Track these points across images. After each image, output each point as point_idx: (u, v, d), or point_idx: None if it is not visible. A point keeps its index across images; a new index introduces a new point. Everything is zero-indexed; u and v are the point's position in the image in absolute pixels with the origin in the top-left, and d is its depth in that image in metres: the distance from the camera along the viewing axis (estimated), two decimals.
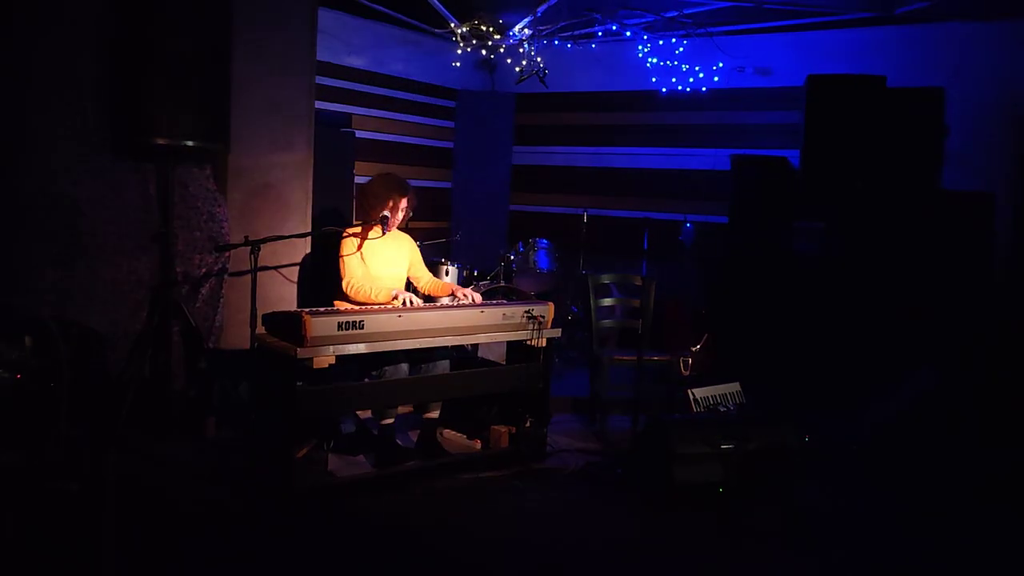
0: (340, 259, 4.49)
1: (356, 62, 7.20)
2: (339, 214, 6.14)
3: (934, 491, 4.31)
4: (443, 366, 4.42)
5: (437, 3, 6.70)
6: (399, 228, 4.71)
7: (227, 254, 4.68)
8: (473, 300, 4.52)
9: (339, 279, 4.49)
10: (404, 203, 4.57)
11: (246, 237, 4.16)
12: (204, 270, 4.65)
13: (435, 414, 4.48)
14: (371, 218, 4.53)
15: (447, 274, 6.01)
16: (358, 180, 6.70)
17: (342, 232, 4.58)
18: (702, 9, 6.60)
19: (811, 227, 6.41)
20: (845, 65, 6.51)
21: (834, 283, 5.97)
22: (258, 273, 4.05)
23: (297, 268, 5.10)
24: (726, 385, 5.21)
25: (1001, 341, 5.47)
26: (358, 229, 4.57)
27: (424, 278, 4.80)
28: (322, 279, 4.99)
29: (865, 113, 5.81)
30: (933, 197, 6.13)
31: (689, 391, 5.06)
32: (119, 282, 4.36)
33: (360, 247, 4.50)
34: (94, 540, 2.71)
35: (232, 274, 4.75)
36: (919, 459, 4.67)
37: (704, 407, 5.01)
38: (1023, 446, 4.74)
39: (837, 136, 5.82)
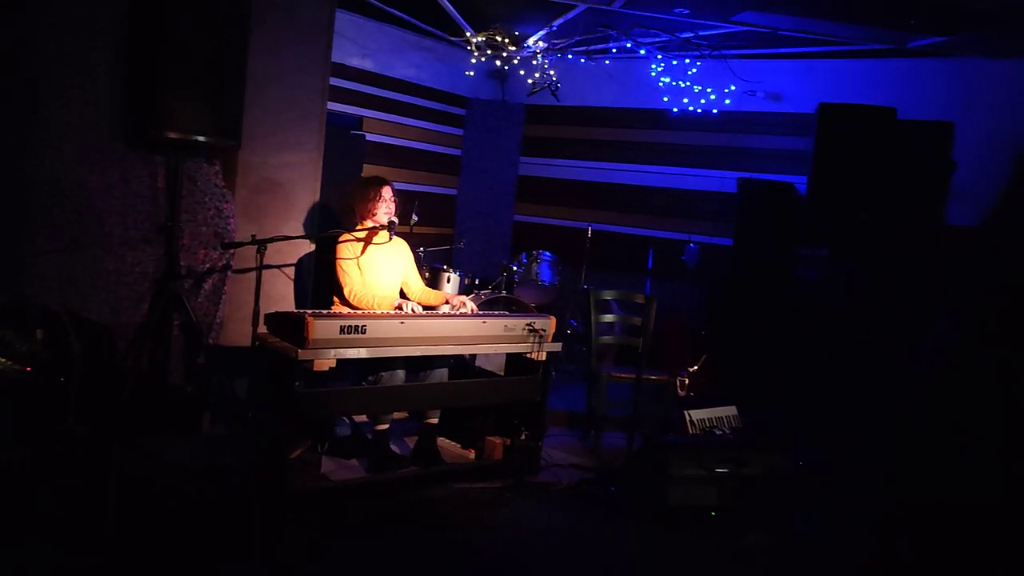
0: (337, 263, 4.48)
1: (369, 65, 7.21)
2: (346, 217, 6.13)
3: (931, 522, 4.30)
4: (441, 374, 4.42)
5: (454, 11, 6.72)
6: (398, 234, 4.71)
7: (232, 251, 4.68)
8: (470, 310, 4.49)
9: (338, 285, 4.47)
10: (387, 192, 4.56)
11: (253, 236, 4.16)
12: (208, 265, 4.65)
13: (434, 421, 4.47)
14: (362, 221, 4.55)
15: (448, 281, 6.00)
16: None
17: (347, 235, 4.58)
18: (717, 32, 6.62)
19: (814, 254, 6.43)
20: (856, 95, 6.53)
21: (834, 312, 5.97)
22: (262, 272, 4.05)
23: (300, 268, 5.10)
24: (723, 408, 5.21)
25: (1002, 376, 5.47)
26: (363, 233, 4.57)
27: (416, 286, 4.78)
28: (322, 280, 4.99)
29: (874, 144, 5.82)
30: (937, 232, 6.14)
31: (686, 412, 5.06)
32: (123, 272, 4.36)
33: (364, 251, 4.50)
34: (96, 536, 2.70)
35: (236, 271, 4.75)
36: (917, 489, 4.66)
37: (700, 429, 5.01)
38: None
39: (845, 165, 5.84)
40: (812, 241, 6.47)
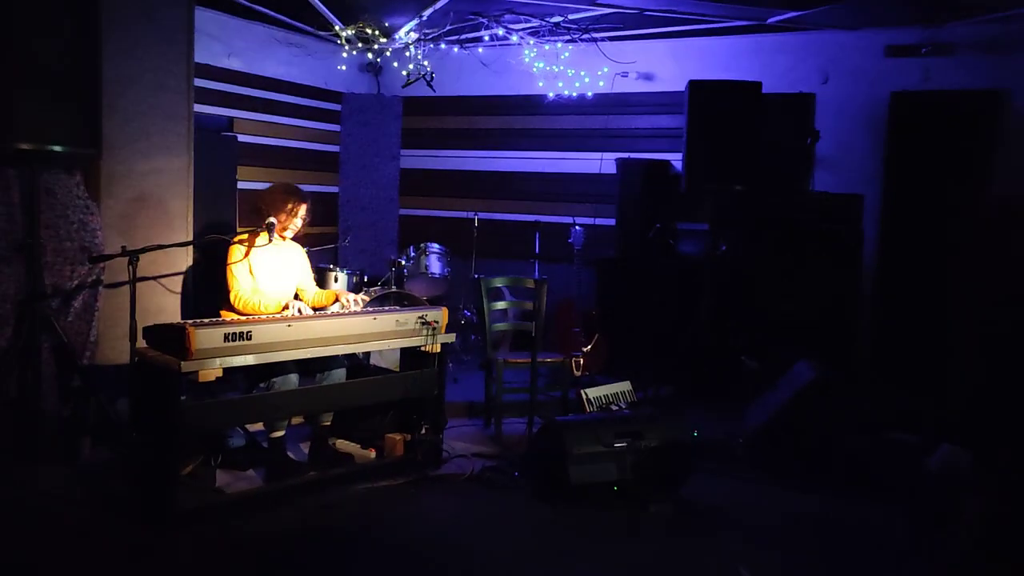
0: (227, 268, 4.34)
1: (237, 64, 6.96)
2: (223, 221, 5.93)
3: (815, 479, 4.50)
4: (339, 375, 4.34)
5: (320, 5, 6.57)
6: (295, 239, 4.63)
7: (102, 265, 4.44)
8: (357, 303, 4.46)
9: (226, 291, 4.33)
10: (302, 210, 4.52)
11: (123, 247, 3.95)
12: (76, 282, 4.40)
13: (327, 423, 4.38)
14: (266, 223, 4.41)
15: (336, 280, 5.88)
16: (241, 186, 6.49)
17: (228, 240, 4.44)
18: (586, 15, 6.71)
19: (694, 228, 6.62)
20: (723, 71, 6.75)
21: (716, 282, 6.17)
22: (137, 284, 3.86)
23: (179, 278, 4.89)
24: (618, 384, 5.32)
25: (871, 331, 5.79)
26: (245, 236, 4.43)
27: (310, 290, 4.70)
28: (207, 289, 4.81)
29: (742, 118, 6.01)
30: (806, 199, 6.43)
31: (582, 391, 5.14)
32: None
33: (247, 254, 4.36)
34: None
35: (108, 286, 4.51)
36: (801, 449, 4.87)
37: (597, 407, 5.09)
38: (898, 430, 5.04)
39: (716, 140, 6.00)
40: (691, 216, 6.66)
